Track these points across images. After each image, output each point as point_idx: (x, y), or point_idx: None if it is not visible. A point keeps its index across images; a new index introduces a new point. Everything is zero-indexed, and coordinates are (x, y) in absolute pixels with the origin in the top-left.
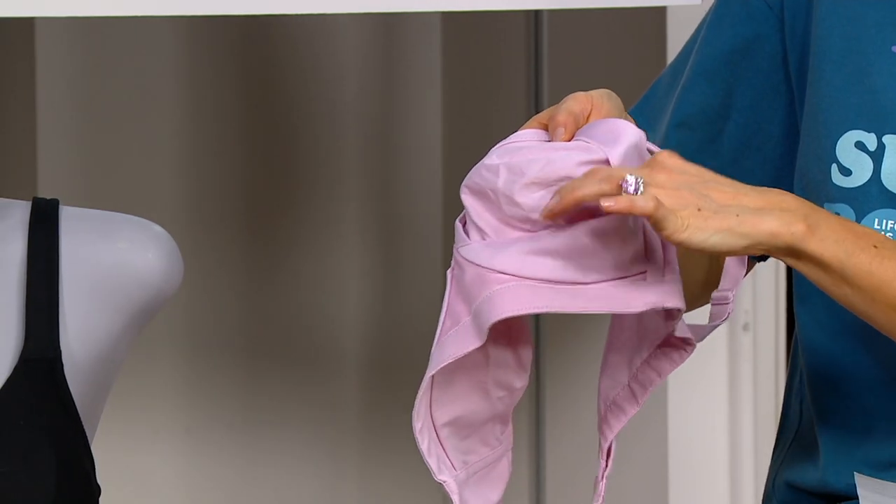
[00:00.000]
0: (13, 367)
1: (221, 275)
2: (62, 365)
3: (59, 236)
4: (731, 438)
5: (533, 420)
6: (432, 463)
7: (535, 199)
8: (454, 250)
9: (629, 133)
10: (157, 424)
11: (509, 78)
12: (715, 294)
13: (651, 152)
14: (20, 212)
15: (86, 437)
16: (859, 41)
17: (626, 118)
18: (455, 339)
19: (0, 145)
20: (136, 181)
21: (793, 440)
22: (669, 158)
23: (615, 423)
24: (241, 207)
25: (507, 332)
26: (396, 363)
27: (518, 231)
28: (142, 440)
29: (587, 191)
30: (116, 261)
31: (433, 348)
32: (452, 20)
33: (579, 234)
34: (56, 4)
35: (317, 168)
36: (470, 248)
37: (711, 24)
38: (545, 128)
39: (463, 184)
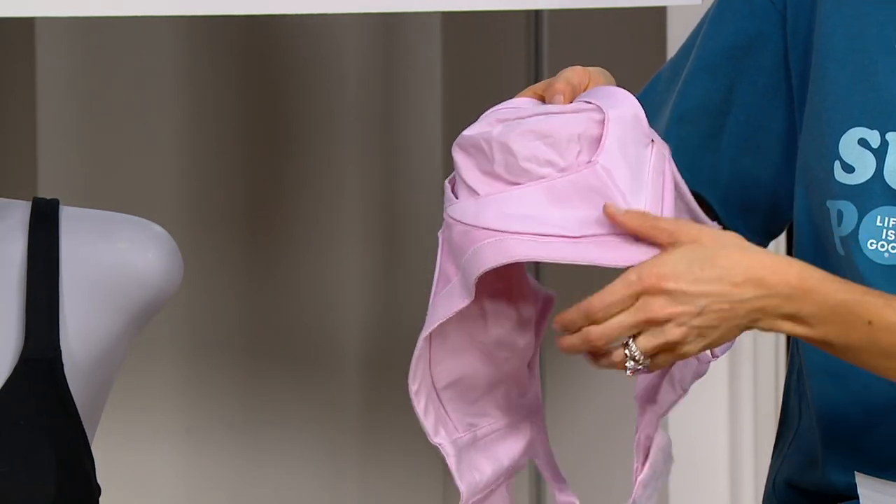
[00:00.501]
0: (13, 367)
1: (221, 274)
2: (62, 365)
3: (59, 236)
4: (732, 437)
5: None
6: (428, 424)
7: (530, 149)
8: (444, 212)
9: (629, 101)
10: (157, 424)
11: (509, 77)
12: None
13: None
14: (20, 212)
15: (86, 436)
16: (863, 39)
17: None
18: (446, 299)
19: (0, 145)
20: (136, 181)
21: (793, 439)
22: (657, 297)
23: (651, 416)
24: (242, 207)
25: (506, 290)
26: (397, 362)
27: (506, 183)
28: (142, 440)
29: (581, 350)
30: (116, 261)
31: (428, 311)
32: (453, 20)
33: (568, 187)
34: (56, 4)
35: (317, 167)
36: (456, 206)
37: (714, 19)
38: (541, 98)
39: (455, 142)
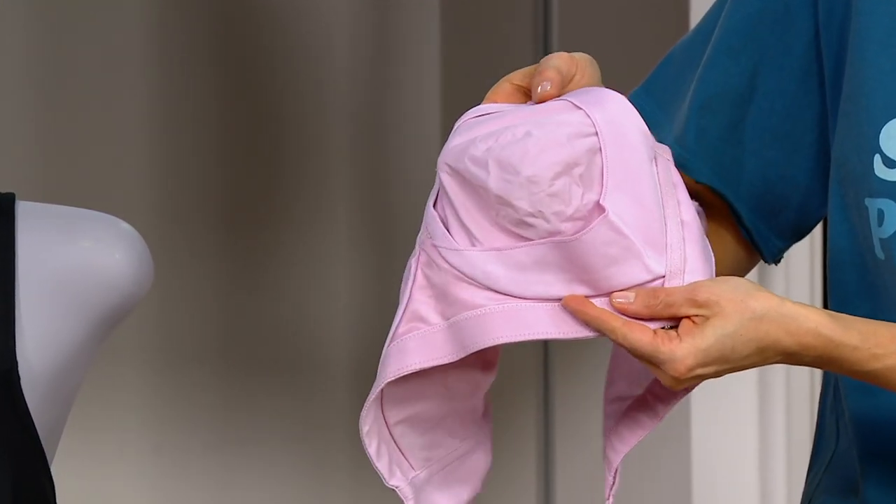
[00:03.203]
0: None
1: (196, 277)
2: (19, 377)
3: (15, 235)
4: (761, 459)
5: (541, 430)
6: (382, 467)
7: (534, 204)
8: (424, 240)
9: (627, 114)
10: (123, 442)
11: (515, 55)
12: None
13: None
14: None
15: (45, 456)
16: None
17: None
18: (422, 345)
19: None
20: (101, 173)
21: (829, 462)
22: (680, 380)
23: (629, 436)
24: (219, 201)
25: None
26: None
27: (509, 235)
28: (107, 460)
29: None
30: (80, 262)
31: (387, 345)
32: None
33: (581, 247)
34: None
35: (303, 158)
36: (458, 254)
37: None
38: (522, 92)
39: (441, 159)
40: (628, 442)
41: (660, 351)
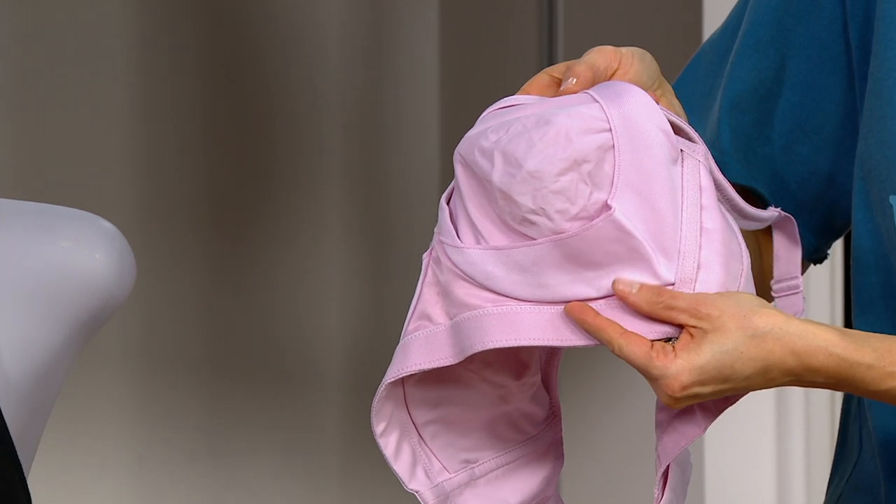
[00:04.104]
0: None
1: (181, 277)
2: None
3: None
4: (779, 468)
5: None
6: (400, 469)
7: (536, 200)
8: (435, 236)
9: (649, 112)
10: (104, 454)
11: (518, 47)
12: (776, 285)
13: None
14: None
15: (21, 468)
16: None
17: (663, 88)
18: (425, 345)
19: None
20: (80, 167)
21: (851, 473)
22: (675, 398)
23: (671, 445)
24: (205, 198)
25: None
26: None
27: (512, 233)
28: (86, 472)
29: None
30: (58, 262)
31: (399, 345)
32: None
33: (584, 245)
34: None
35: (294, 154)
36: (460, 252)
37: None
38: (558, 84)
39: (457, 149)
40: (671, 452)
41: (653, 365)
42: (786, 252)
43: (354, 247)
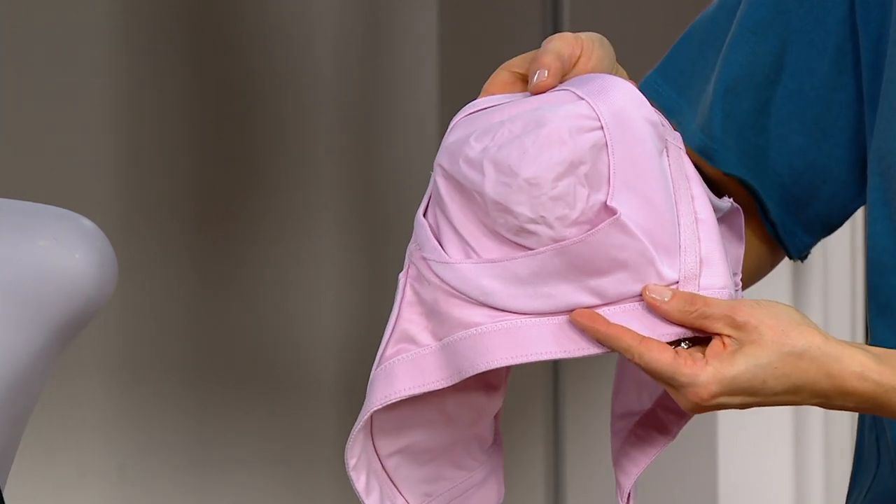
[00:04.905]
0: None
1: (165, 279)
2: None
3: None
4: (797, 481)
5: (551, 450)
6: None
7: (535, 209)
8: (413, 251)
9: (636, 105)
10: (84, 464)
11: (518, 47)
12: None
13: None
14: None
15: None
16: None
17: (619, 73)
18: (412, 369)
19: None
20: (59, 163)
21: (871, 486)
22: (700, 406)
23: (640, 457)
24: (191, 196)
25: None
26: None
27: (506, 245)
28: (65, 484)
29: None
30: (36, 262)
31: (375, 369)
32: None
33: (588, 251)
34: None
35: (284, 150)
36: (449, 267)
37: None
38: (522, 80)
39: (437, 160)
40: (640, 463)
41: (681, 373)
42: (727, 246)
43: (348, 248)
